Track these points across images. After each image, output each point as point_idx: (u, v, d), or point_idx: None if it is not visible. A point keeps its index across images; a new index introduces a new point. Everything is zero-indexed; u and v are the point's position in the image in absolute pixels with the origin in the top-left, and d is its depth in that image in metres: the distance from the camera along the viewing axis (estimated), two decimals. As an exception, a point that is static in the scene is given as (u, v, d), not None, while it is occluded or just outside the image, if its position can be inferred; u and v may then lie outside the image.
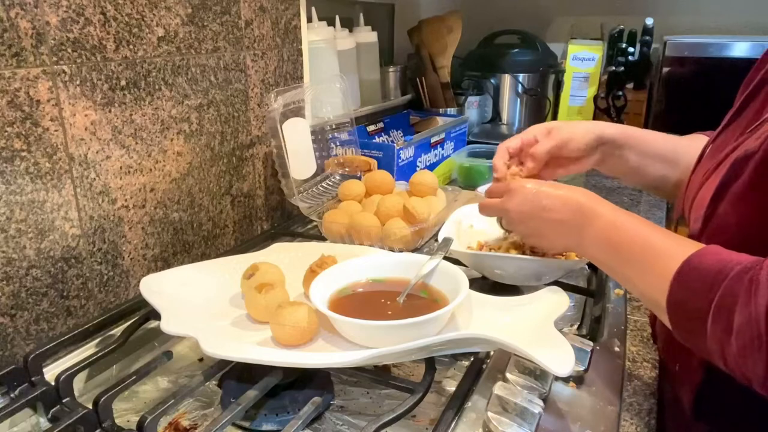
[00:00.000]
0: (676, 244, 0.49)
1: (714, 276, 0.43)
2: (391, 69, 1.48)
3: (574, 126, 0.73)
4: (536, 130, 0.74)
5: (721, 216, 0.50)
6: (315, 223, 0.95)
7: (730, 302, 0.41)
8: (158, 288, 0.64)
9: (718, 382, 0.53)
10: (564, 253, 0.72)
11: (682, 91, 1.36)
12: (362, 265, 0.67)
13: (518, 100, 1.55)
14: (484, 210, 0.70)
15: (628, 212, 0.56)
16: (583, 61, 1.53)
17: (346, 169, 1.07)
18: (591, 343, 0.61)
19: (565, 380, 0.58)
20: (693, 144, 0.70)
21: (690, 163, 0.64)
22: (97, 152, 0.67)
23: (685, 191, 0.61)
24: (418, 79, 1.49)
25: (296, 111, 0.95)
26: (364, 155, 1.10)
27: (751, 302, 0.40)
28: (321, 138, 1.06)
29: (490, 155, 1.28)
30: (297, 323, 0.56)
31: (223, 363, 0.55)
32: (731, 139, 0.55)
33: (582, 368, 0.58)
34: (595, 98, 1.52)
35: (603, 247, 0.56)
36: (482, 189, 1.07)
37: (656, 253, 0.49)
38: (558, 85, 1.57)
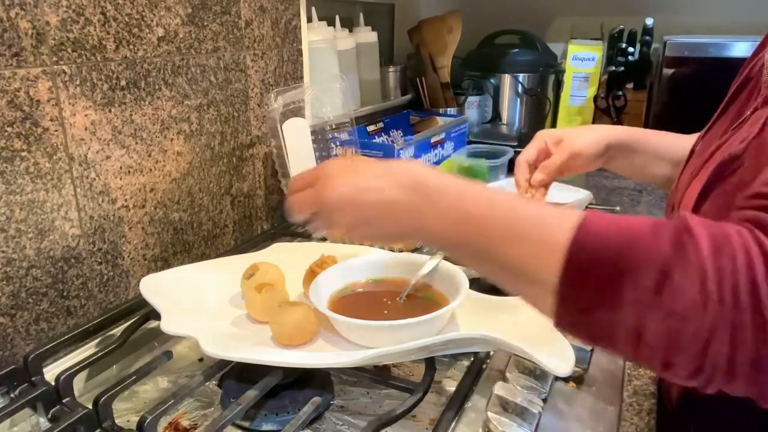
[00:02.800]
0: (551, 213, 0.41)
1: (621, 236, 0.36)
2: (391, 69, 1.48)
3: (583, 136, 0.73)
4: (546, 136, 0.75)
5: (705, 217, 0.50)
6: (315, 223, 0.95)
7: (654, 259, 0.35)
8: (158, 288, 0.64)
9: None
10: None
11: (682, 91, 1.36)
12: (362, 265, 0.67)
13: (518, 100, 1.54)
14: (295, 208, 0.52)
15: (476, 183, 0.46)
16: (583, 61, 1.53)
17: (346, 169, 1.07)
18: (591, 343, 0.61)
19: (565, 380, 0.58)
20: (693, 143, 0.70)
21: None
22: (97, 152, 0.67)
23: (675, 188, 0.62)
24: (418, 79, 1.49)
25: (296, 111, 0.95)
26: (364, 155, 1.10)
27: (691, 257, 0.34)
28: (321, 138, 1.06)
29: (490, 155, 1.28)
30: (297, 323, 0.56)
31: (223, 363, 0.55)
32: (716, 138, 0.55)
33: (582, 368, 0.58)
34: (595, 98, 1.52)
35: (457, 225, 0.44)
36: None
37: (533, 223, 0.41)
38: (558, 85, 1.57)
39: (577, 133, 0.74)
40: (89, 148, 0.66)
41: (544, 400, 0.53)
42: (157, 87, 0.73)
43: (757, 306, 0.32)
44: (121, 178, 0.70)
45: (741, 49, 1.25)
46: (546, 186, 0.74)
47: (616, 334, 0.36)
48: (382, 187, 0.46)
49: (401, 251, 0.86)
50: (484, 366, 0.60)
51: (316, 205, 0.49)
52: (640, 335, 0.35)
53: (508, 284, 0.45)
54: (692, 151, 0.62)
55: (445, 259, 0.66)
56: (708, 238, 0.34)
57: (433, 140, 1.25)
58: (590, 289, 0.37)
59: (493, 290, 0.68)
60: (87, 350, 0.64)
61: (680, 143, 0.73)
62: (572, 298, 0.38)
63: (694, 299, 0.33)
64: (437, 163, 1.28)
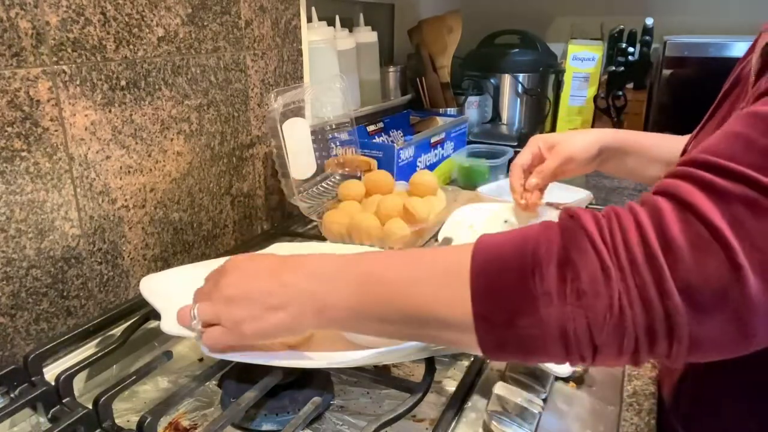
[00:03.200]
0: (447, 249, 0.42)
1: (516, 240, 0.38)
2: (391, 69, 1.48)
3: (576, 140, 0.75)
4: (540, 141, 0.76)
5: None
6: (315, 223, 0.95)
7: (550, 249, 0.36)
8: (158, 288, 0.64)
9: (696, 377, 0.53)
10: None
11: (682, 91, 1.36)
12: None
13: (518, 100, 1.54)
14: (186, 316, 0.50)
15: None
16: (583, 61, 1.53)
17: (346, 169, 1.07)
18: (591, 343, 0.61)
19: (565, 380, 0.58)
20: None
21: None
22: (97, 152, 0.67)
23: None
24: (418, 79, 1.49)
25: (296, 111, 0.95)
26: (364, 155, 1.10)
27: (580, 238, 0.35)
28: (321, 138, 1.06)
29: (490, 155, 1.28)
30: None
31: (223, 363, 0.55)
32: (707, 137, 0.55)
33: (582, 368, 0.58)
34: (595, 98, 1.52)
35: (359, 287, 0.43)
36: (482, 189, 1.07)
37: (433, 261, 0.41)
38: (558, 85, 1.57)
39: (570, 138, 0.75)
40: (89, 148, 0.66)
41: (544, 400, 0.53)
42: (157, 87, 0.73)
43: (653, 261, 0.33)
44: (121, 178, 0.70)
45: (741, 49, 1.25)
46: (541, 190, 0.76)
47: (545, 338, 0.36)
48: (270, 274, 0.46)
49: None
50: (484, 366, 0.60)
51: (210, 294, 0.48)
52: (565, 328, 0.35)
53: (423, 337, 0.44)
54: (684, 151, 0.62)
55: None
56: (592, 218, 0.37)
57: (433, 140, 1.25)
58: (504, 298, 0.37)
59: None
60: (87, 350, 0.64)
61: (673, 144, 0.74)
62: (490, 315, 0.37)
63: (596, 274, 0.34)
64: (437, 163, 1.28)
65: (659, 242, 0.34)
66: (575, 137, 0.75)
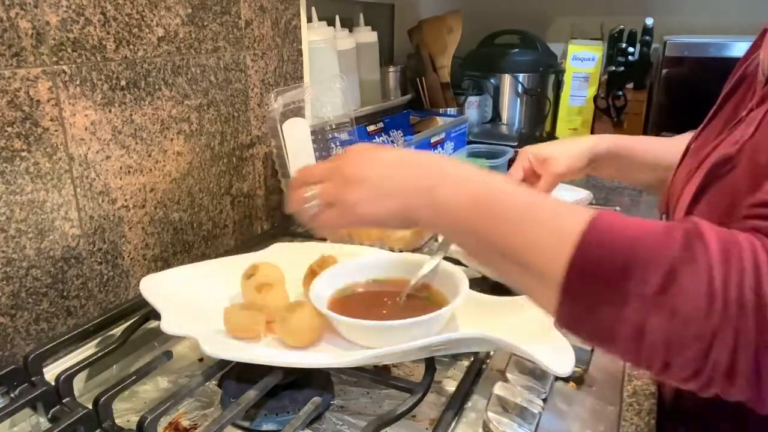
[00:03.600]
0: (568, 207, 0.41)
1: (633, 232, 0.36)
2: (391, 69, 1.48)
3: (566, 155, 0.76)
4: (531, 155, 0.77)
5: (700, 218, 0.50)
6: (315, 223, 0.95)
7: (664, 257, 0.35)
8: (158, 288, 0.64)
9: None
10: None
11: (682, 91, 1.36)
12: (362, 265, 0.67)
13: (518, 100, 1.54)
14: (303, 178, 0.51)
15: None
16: (583, 61, 1.53)
17: (346, 169, 1.07)
18: (591, 343, 0.61)
19: (565, 380, 0.58)
20: (683, 145, 0.71)
21: None
22: (97, 152, 0.67)
23: (670, 187, 0.62)
24: (418, 79, 1.49)
25: (296, 111, 0.95)
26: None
27: (699, 259, 0.34)
28: (321, 138, 1.06)
29: (490, 155, 1.28)
30: (311, 324, 0.56)
31: (223, 363, 0.55)
32: (711, 137, 0.55)
33: (582, 368, 0.58)
34: (595, 98, 1.52)
35: (470, 202, 0.43)
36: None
37: (549, 212, 0.41)
38: (558, 85, 1.57)
39: (560, 153, 0.76)
40: (89, 148, 0.66)
41: (544, 400, 0.53)
42: (157, 87, 0.73)
43: (762, 311, 0.32)
44: (121, 178, 0.70)
45: (741, 49, 1.25)
46: None
47: (618, 333, 0.36)
48: (398, 162, 0.47)
49: (401, 251, 0.86)
50: (484, 366, 0.60)
51: (330, 174, 0.48)
52: (642, 335, 0.35)
53: (510, 273, 0.43)
54: (687, 150, 0.62)
55: (446, 259, 0.66)
56: (717, 242, 0.34)
57: (433, 140, 1.25)
58: (596, 284, 0.36)
59: (494, 290, 0.68)
60: (87, 350, 0.64)
61: (666, 147, 0.74)
62: (577, 293, 0.37)
63: (699, 301, 0.33)
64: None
65: None
66: (566, 150, 0.76)
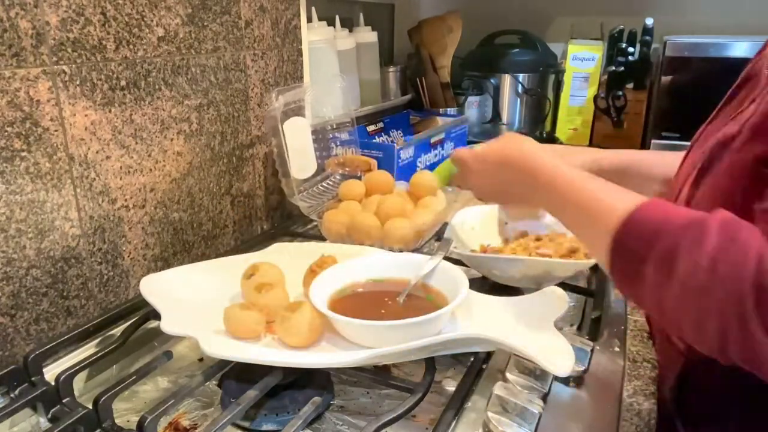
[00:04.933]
0: (619, 198, 0.49)
1: (658, 226, 0.44)
2: (391, 69, 1.48)
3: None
4: None
5: (699, 202, 0.51)
6: (315, 223, 0.95)
7: (673, 249, 0.42)
8: (158, 288, 0.64)
9: (696, 378, 0.54)
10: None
11: (682, 91, 1.36)
12: (362, 265, 0.67)
13: (518, 100, 1.54)
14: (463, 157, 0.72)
15: (568, 165, 0.58)
16: (583, 61, 1.53)
17: (347, 169, 1.07)
18: (591, 343, 0.61)
19: (565, 380, 0.58)
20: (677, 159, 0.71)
21: None
22: (97, 152, 0.67)
23: (674, 180, 0.62)
24: (418, 79, 1.49)
25: (296, 111, 0.95)
26: (364, 155, 1.10)
27: (694, 251, 0.40)
28: (321, 138, 1.06)
29: (490, 155, 1.28)
30: (311, 324, 0.56)
31: (223, 363, 0.55)
32: (715, 131, 0.56)
33: (582, 368, 0.58)
34: (595, 98, 1.52)
35: (552, 202, 0.58)
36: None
37: (600, 206, 0.50)
38: (558, 85, 1.57)
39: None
40: (89, 148, 0.66)
41: (544, 400, 0.53)
42: (157, 87, 0.73)
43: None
44: (121, 178, 0.70)
45: (741, 49, 1.25)
46: None
47: (647, 304, 0.45)
48: (511, 175, 0.63)
49: (401, 251, 0.86)
50: (484, 366, 0.60)
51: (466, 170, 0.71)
52: (662, 308, 0.43)
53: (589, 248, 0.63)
54: (687, 152, 0.62)
55: (446, 258, 0.66)
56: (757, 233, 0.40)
57: (433, 140, 1.25)
58: (626, 264, 0.46)
59: (493, 290, 0.68)
60: (87, 350, 0.64)
61: (673, 161, 0.73)
62: (614, 270, 0.47)
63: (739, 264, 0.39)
64: (437, 163, 1.28)
65: None
66: (573, 159, 0.75)
